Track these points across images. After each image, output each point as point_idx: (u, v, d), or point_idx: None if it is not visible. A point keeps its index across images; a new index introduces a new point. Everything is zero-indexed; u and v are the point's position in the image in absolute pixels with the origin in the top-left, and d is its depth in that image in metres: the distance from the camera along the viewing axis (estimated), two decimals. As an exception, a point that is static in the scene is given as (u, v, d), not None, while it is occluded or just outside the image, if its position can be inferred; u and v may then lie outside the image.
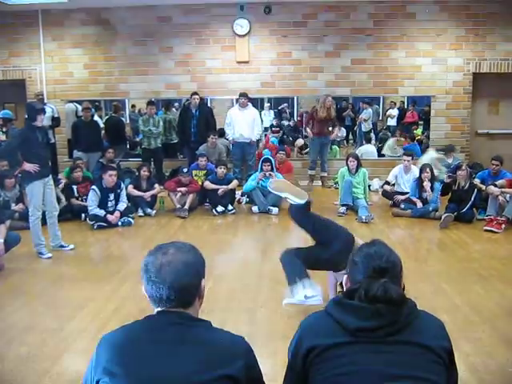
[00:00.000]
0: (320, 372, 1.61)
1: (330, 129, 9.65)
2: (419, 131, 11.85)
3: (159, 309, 1.63)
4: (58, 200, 6.58)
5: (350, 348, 1.60)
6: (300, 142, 11.24)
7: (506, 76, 9.94)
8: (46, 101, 9.44)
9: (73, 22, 10.06)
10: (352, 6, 9.81)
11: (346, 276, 1.81)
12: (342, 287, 1.94)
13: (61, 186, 7.71)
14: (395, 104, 12.21)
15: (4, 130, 8.53)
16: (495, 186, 6.97)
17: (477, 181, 7.42)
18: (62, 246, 5.95)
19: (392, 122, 12.30)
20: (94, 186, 7.13)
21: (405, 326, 1.61)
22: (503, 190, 6.89)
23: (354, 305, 1.64)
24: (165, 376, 1.49)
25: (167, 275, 1.57)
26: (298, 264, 3.73)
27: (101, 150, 9.20)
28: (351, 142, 12.76)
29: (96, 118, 10.05)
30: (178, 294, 1.59)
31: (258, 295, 4.54)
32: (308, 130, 9.73)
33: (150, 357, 1.53)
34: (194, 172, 8.34)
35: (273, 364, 3.24)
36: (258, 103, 11.26)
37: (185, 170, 7.98)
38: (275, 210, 7.71)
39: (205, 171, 8.39)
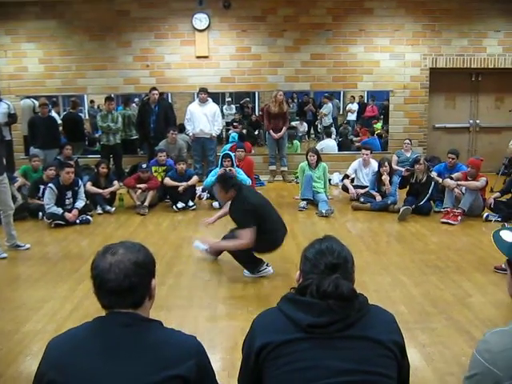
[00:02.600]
0: (273, 368, 1.62)
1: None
2: (379, 125, 12.00)
3: (109, 310, 1.60)
4: (14, 198, 6.41)
5: (302, 344, 1.60)
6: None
7: (461, 71, 10.17)
8: (0, 97, 9.18)
9: (27, 16, 9.81)
10: (311, 2, 9.87)
11: (298, 272, 1.82)
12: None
13: (17, 184, 7.53)
14: (354, 99, 12.34)
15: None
16: (451, 178, 7.12)
17: (434, 174, 7.56)
18: (17, 246, 5.81)
19: (352, 117, 12.42)
20: (50, 184, 6.99)
21: (356, 321, 1.63)
22: (459, 182, 7.04)
23: (305, 301, 1.65)
24: (113, 379, 1.47)
25: (116, 275, 1.54)
26: None
27: (58, 146, 9.01)
28: (313, 136, 12.82)
29: (53, 114, 9.84)
30: (128, 294, 1.57)
31: (218, 291, 4.53)
32: (265, 125, 9.81)
33: (98, 360, 1.50)
34: (153, 168, 8.25)
35: (233, 360, 3.23)
36: (219, 98, 11.22)
37: (144, 165, 7.89)
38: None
39: (164, 167, 8.32)
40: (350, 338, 1.61)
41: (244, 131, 11.64)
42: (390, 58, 10.06)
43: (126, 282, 1.55)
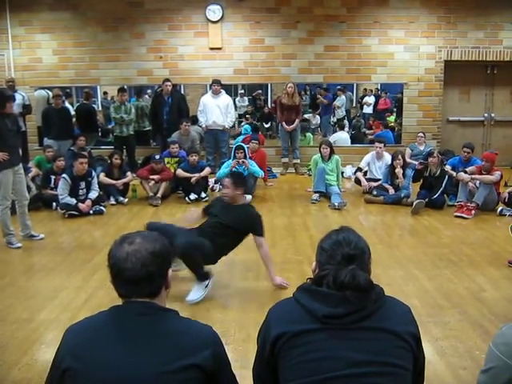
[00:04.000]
0: (288, 359, 1.62)
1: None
2: (392, 118, 11.93)
3: (126, 299, 1.61)
4: (29, 189, 6.46)
5: (318, 335, 1.60)
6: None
7: (476, 64, 10.06)
8: (15, 88, 9.23)
9: (41, 7, 9.84)
10: (325, -7, 9.80)
11: (314, 263, 1.81)
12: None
13: (31, 174, 7.58)
14: (371, 91, 12.26)
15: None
16: (466, 172, 7.07)
17: (448, 167, 7.50)
18: (32, 236, 5.86)
19: (368, 110, 12.35)
20: (64, 175, 7.02)
21: (372, 312, 1.62)
22: (473, 176, 6.99)
23: (322, 292, 1.65)
24: (129, 368, 1.48)
25: (133, 264, 1.55)
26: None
27: (72, 137, 9.05)
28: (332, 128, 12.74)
29: (67, 105, 9.87)
30: (145, 283, 1.57)
31: (230, 282, 4.54)
32: (278, 117, 9.79)
33: (115, 349, 1.51)
34: (166, 159, 8.27)
35: (245, 351, 3.25)
36: (232, 90, 11.20)
37: (157, 157, 7.92)
38: (249, 197, 7.67)
39: (177, 159, 8.34)
40: (366, 329, 1.60)
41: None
42: (405, 51, 9.98)
43: (142, 272, 1.55)
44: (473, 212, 6.66)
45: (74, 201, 6.92)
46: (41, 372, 3.02)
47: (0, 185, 5.49)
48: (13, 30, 9.87)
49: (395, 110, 12.06)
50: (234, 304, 4.12)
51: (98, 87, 11.31)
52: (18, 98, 8.68)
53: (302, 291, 1.71)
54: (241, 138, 9.90)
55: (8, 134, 5.45)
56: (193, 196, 7.67)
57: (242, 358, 3.14)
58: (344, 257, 1.69)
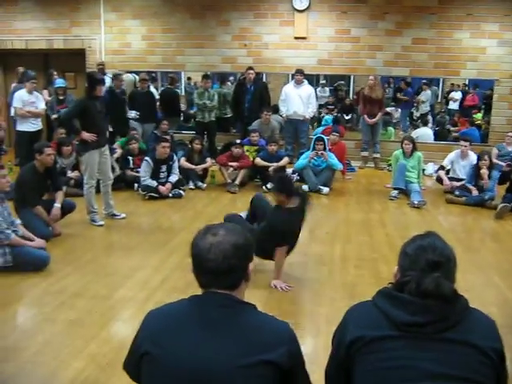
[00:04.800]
0: (363, 364, 1.58)
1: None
2: (479, 116, 11.45)
3: (206, 289, 1.63)
4: (113, 169, 6.70)
5: (395, 342, 1.56)
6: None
7: None
8: (105, 71, 9.59)
9: (132, -7, 10.15)
10: (417, -17, 9.48)
11: (396, 267, 1.76)
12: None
13: (116, 155, 7.86)
14: (459, 86, 11.80)
15: (61, 98, 8.71)
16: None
17: (538, 171, 7.11)
18: (114, 215, 6.09)
19: (454, 106, 11.91)
20: (147, 157, 7.24)
21: (455, 323, 1.56)
22: None
23: (403, 298, 1.59)
24: (206, 358, 1.50)
25: (216, 256, 1.57)
26: None
27: (155, 121, 9.30)
28: (408, 123, 12.44)
29: (152, 89, 10.13)
30: (226, 275, 1.58)
31: (303, 275, 4.53)
32: (359, 110, 9.62)
33: (194, 338, 1.54)
34: (245, 147, 8.33)
35: (314, 346, 3.24)
36: (313, 80, 11.11)
37: (238, 141, 8.02)
38: (326, 189, 7.64)
39: (256, 147, 8.38)
40: (448, 340, 1.54)
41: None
42: (498, 45, 9.49)
43: (224, 264, 1.57)
44: None
45: (154, 183, 7.12)
46: (116, 347, 3.14)
47: (87, 165, 5.75)
48: (105, 15, 10.25)
49: (483, 107, 11.56)
50: (305, 297, 4.11)
51: (183, 73, 11.54)
52: (107, 81, 9.00)
53: (382, 296, 1.66)
54: (321, 129, 9.82)
55: (97, 115, 5.68)
56: (270, 185, 7.69)
57: (311, 352, 3.12)
58: (428, 263, 1.62)
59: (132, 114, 8.83)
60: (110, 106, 8.75)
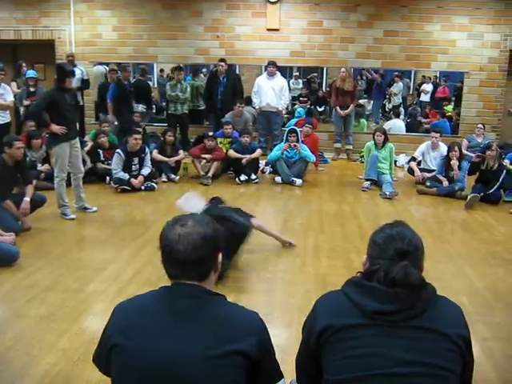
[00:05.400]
0: (333, 352, 1.60)
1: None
2: (450, 108, 11.60)
3: (175, 280, 1.62)
4: (84, 162, 6.62)
5: (365, 330, 1.57)
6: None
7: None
8: (75, 62, 9.43)
9: (104, -16, 9.99)
10: (388, -25, 9.53)
11: (365, 256, 1.78)
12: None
13: (87, 148, 7.76)
14: (430, 79, 11.92)
15: (32, 90, 8.56)
16: (525, 167, 6.81)
17: (506, 162, 7.24)
18: (85, 208, 6.01)
19: (425, 98, 12.06)
20: (118, 150, 7.16)
21: (423, 311, 1.58)
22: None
23: (372, 287, 1.61)
24: (177, 349, 1.49)
25: (185, 247, 1.56)
26: None
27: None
28: (380, 115, 12.55)
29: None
30: (195, 266, 1.58)
31: (276, 266, 4.54)
32: (332, 102, 9.66)
33: (162, 329, 1.53)
34: (218, 140, 8.30)
35: (287, 336, 3.25)
36: (287, 72, 11.11)
37: (210, 133, 7.97)
38: (299, 181, 7.67)
39: (229, 139, 8.36)
40: (415, 328, 1.56)
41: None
42: (468, 38, 9.61)
43: (193, 255, 1.56)
44: (530, 209, 6.43)
45: (126, 176, 7.05)
46: (88, 341, 3.10)
47: (57, 158, 5.67)
48: (75, 5, 10.05)
49: (453, 99, 11.72)
50: (278, 288, 4.12)
51: (155, 64, 11.46)
52: (77, 72, 8.86)
53: (352, 285, 1.68)
54: (294, 120, 9.83)
55: (67, 108, 5.60)
56: (243, 177, 7.69)
57: (283, 342, 3.13)
58: (397, 252, 1.64)
59: (139, 107, 8.71)
60: (119, 98, 8.72)
